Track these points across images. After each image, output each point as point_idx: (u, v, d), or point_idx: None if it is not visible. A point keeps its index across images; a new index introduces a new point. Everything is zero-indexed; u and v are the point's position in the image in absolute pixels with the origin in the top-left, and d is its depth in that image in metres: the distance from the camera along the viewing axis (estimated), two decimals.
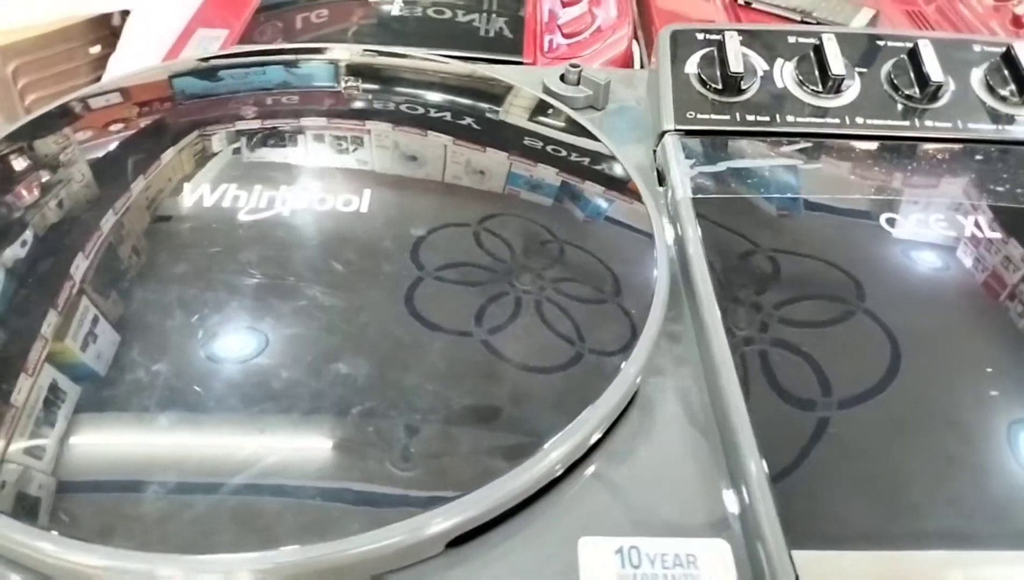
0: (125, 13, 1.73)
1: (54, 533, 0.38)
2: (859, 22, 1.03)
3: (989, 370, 0.48)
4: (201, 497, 0.40)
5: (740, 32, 0.71)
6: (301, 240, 0.55)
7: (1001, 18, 1.01)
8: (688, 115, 0.67)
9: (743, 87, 0.68)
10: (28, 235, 0.54)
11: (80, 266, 0.52)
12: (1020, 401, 0.47)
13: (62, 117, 0.66)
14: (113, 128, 0.65)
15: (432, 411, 0.44)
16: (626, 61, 0.93)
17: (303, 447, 0.43)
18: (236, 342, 0.48)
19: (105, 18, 1.76)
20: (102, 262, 0.52)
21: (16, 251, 0.53)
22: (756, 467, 0.43)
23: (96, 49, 1.74)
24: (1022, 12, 0.98)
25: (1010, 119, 0.68)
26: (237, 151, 0.62)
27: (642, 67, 0.98)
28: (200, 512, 0.39)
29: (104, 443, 0.43)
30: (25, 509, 0.39)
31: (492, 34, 0.93)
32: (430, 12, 1.01)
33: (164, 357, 0.46)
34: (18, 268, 0.52)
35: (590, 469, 0.46)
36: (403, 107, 0.69)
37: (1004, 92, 0.69)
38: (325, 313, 0.49)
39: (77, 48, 1.71)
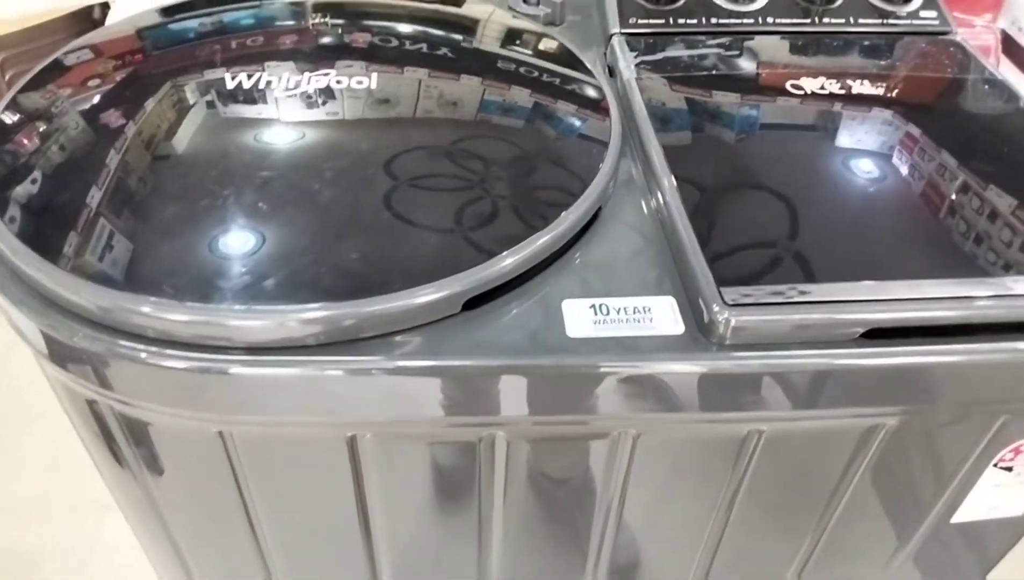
0: (105, 7, 1.84)
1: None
2: None
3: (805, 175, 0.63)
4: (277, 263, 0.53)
5: None
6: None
7: None
8: (631, 20, 0.81)
9: None
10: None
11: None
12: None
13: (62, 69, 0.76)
14: (91, 83, 0.73)
15: (456, 214, 0.58)
16: None
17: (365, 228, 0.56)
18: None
19: (87, 11, 1.87)
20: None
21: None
22: (690, 243, 0.57)
23: None
24: None
25: (892, 15, 0.84)
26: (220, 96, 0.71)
27: None
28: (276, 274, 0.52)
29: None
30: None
31: None
32: None
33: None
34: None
35: (570, 256, 0.59)
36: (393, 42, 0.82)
37: None
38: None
39: (61, 40, 1.80)
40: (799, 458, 0.61)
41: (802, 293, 0.53)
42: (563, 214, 0.58)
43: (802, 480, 0.64)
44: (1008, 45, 1.23)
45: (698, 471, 0.62)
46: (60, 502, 1.29)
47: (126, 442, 0.60)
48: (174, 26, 0.83)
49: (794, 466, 0.62)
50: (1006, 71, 1.22)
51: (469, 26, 0.82)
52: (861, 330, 0.53)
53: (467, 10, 0.85)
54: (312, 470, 0.60)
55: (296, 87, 0.70)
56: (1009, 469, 0.64)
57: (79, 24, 1.86)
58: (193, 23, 0.83)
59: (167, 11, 0.85)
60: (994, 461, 0.63)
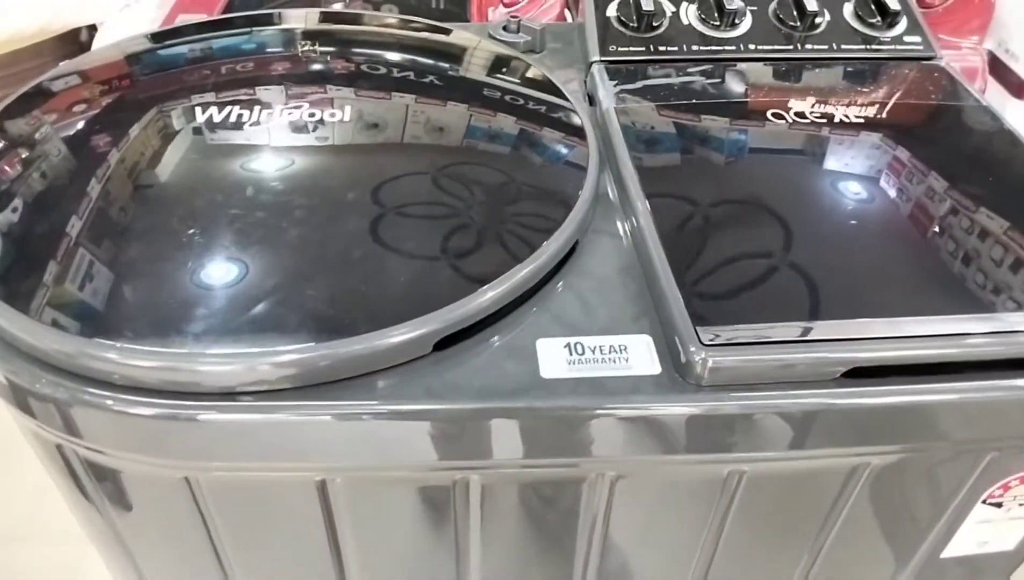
0: (92, 30, 1.84)
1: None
2: None
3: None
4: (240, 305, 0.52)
5: None
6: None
7: None
8: (611, 48, 0.80)
9: (654, 24, 0.82)
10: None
11: None
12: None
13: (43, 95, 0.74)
14: (78, 108, 0.71)
15: (427, 249, 0.57)
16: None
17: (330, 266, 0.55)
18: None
19: (73, 34, 1.86)
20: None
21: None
22: (667, 279, 0.55)
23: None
24: None
25: (876, 40, 0.83)
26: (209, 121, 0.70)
27: None
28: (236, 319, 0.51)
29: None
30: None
31: (443, 6, 1.07)
32: None
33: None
34: None
35: (545, 291, 0.58)
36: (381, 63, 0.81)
37: (870, 19, 0.84)
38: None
39: (48, 63, 1.80)
40: (782, 498, 0.59)
41: (782, 332, 0.52)
42: (542, 247, 0.57)
43: (786, 519, 0.62)
44: (995, 67, 1.22)
45: (679, 511, 0.60)
46: (45, 527, 1.27)
47: (92, 484, 0.59)
48: (161, 52, 0.82)
49: (777, 505, 0.60)
50: (993, 93, 1.22)
51: (455, 55, 0.81)
52: (843, 370, 0.52)
53: (453, 38, 0.84)
54: (282, 513, 0.59)
55: (275, 117, 0.69)
56: (998, 505, 0.63)
57: (66, 47, 1.86)
58: (181, 49, 0.82)
59: (154, 37, 0.84)
60: (983, 498, 0.62)
